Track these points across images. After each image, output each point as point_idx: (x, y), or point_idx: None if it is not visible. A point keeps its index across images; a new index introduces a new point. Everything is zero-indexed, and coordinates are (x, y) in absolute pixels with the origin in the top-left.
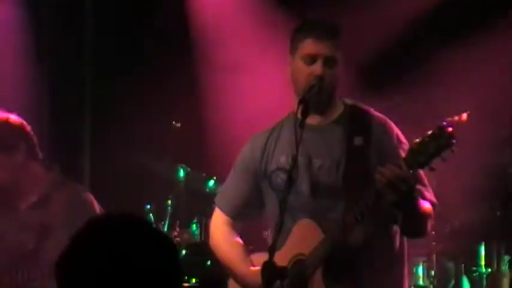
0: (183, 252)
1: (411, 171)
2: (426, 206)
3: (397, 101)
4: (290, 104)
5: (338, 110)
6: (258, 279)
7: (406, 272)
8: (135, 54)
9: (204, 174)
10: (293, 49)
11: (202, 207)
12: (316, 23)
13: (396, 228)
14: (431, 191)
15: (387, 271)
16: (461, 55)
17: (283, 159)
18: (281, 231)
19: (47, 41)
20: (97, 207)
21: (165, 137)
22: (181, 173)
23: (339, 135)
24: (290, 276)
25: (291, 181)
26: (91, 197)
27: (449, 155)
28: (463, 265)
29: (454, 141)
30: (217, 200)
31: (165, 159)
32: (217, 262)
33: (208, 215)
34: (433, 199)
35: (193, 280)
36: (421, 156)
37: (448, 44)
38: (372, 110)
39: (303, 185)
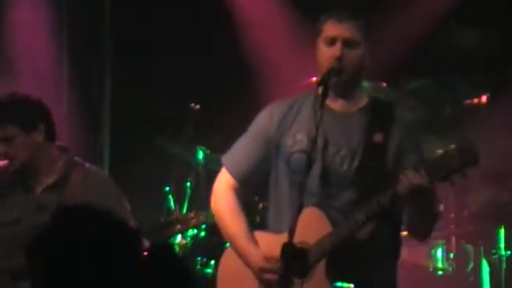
0: (202, 234)
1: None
2: (434, 212)
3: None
4: None
5: (362, 101)
6: (256, 260)
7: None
8: (156, 35)
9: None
10: (317, 32)
11: None
12: (338, 4)
13: (398, 224)
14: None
15: (387, 265)
16: None
17: (300, 136)
18: (282, 210)
19: (66, 16)
20: (113, 187)
21: (184, 118)
22: (200, 155)
23: (360, 127)
24: (292, 261)
25: (310, 164)
26: (107, 177)
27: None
28: (482, 248)
29: (479, 159)
30: (225, 160)
31: (184, 140)
32: None
33: None
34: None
35: (213, 262)
36: (443, 170)
37: None
38: (396, 108)
39: (315, 167)
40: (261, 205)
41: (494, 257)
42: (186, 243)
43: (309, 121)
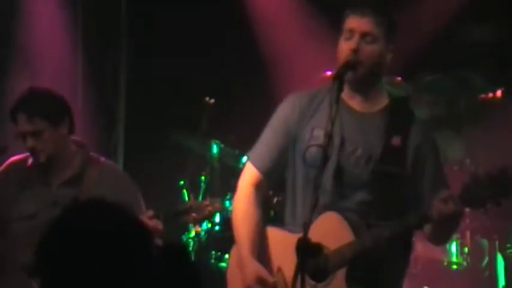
0: (216, 228)
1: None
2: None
3: None
4: None
5: (383, 101)
6: (249, 274)
7: None
8: (171, 31)
9: (237, 151)
10: (341, 28)
11: (236, 184)
12: (364, 1)
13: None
14: None
15: (402, 273)
16: None
17: (317, 132)
18: (297, 206)
19: (81, 11)
20: (129, 182)
21: (199, 113)
22: (215, 149)
23: (379, 129)
24: (311, 265)
25: (325, 159)
26: (122, 172)
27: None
28: (497, 242)
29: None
30: (251, 154)
31: (199, 135)
32: None
33: None
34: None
35: (227, 256)
36: (475, 197)
37: None
38: (416, 111)
39: (330, 164)
40: (275, 199)
41: (509, 251)
42: (201, 231)
43: (327, 116)
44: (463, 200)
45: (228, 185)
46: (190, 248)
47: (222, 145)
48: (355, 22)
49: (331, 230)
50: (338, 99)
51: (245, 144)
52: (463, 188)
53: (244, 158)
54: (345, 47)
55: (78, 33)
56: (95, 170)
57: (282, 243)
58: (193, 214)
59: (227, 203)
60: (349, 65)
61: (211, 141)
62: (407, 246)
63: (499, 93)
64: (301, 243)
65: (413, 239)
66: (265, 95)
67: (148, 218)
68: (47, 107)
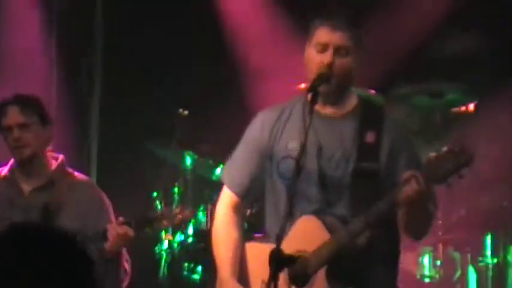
0: (189, 239)
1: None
2: (431, 210)
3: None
4: None
5: (352, 103)
6: None
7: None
8: (145, 39)
9: (211, 161)
10: (309, 36)
11: (209, 195)
12: (333, 11)
13: (396, 228)
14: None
15: (387, 269)
16: None
17: (291, 145)
18: (280, 218)
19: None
20: (100, 200)
21: (172, 124)
22: (188, 160)
23: (351, 129)
24: (291, 272)
25: (298, 169)
26: (95, 188)
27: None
28: (469, 255)
29: (472, 158)
30: (224, 178)
31: (172, 145)
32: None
33: (215, 202)
34: (435, 204)
35: (199, 268)
36: (439, 172)
37: None
38: (386, 107)
39: (312, 174)
40: (248, 211)
41: (480, 264)
42: (174, 242)
43: (299, 128)
44: (426, 176)
45: (202, 196)
46: (163, 260)
47: (196, 156)
48: (328, 36)
49: (307, 233)
50: (312, 111)
51: (219, 154)
52: (425, 165)
53: (218, 170)
54: (317, 60)
55: (53, 38)
56: (67, 181)
57: (264, 256)
58: (164, 221)
59: (200, 214)
60: (323, 78)
61: (185, 152)
62: (392, 239)
63: (471, 106)
64: (274, 254)
65: (399, 236)
66: (239, 104)
67: (119, 225)
68: (39, 104)
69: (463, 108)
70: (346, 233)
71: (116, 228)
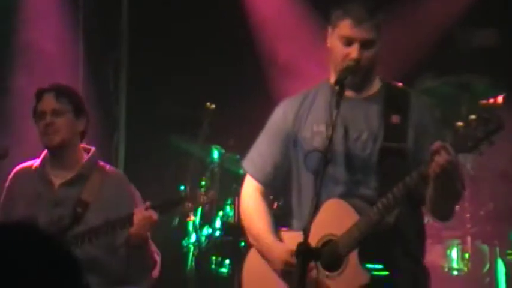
0: (217, 233)
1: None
2: (459, 189)
3: None
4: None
5: (375, 86)
6: (281, 254)
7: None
8: (172, 34)
9: (237, 156)
10: (332, 24)
11: (236, 188)
12: (357, 2)
13: (422, 206)
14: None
15: (415, 247)
16: None
17: (317, 127)
18: (306, 204)
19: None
20: (129, 192)
21: (199, 117)
22: (215, 154)
23: (377, 110)
24: (322, 256)
25: (326, 163)
26: (125, 182)
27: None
28: (497, 248)
29: (502, 123)
30: (247, 166)
31: (200, 140)
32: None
33: None
34: (463, 184)
35: (227, 261)
36: (469, 140)
37: None
38: (411, 91)
39: (338, 156)
40: (275, 204)
41: (510, 257)
42: (201, 236)
43: (325, 111)
44: (456, 145)
45: (229, 190)
46: (191, 253)
47: (223, 150)
48: (353, 30)
49: (335, 216)
50: (339, 104)
51: (245, 148)
52: (453, 134)
53: None
54: (343, 52)
55: (79, 33)
56: (99, 176)
57: (295, 242)
58: (189, 203)
59: (227, 207)
60: (350, 71)
61: (212, 146)
62: (418, 220)
63: (500, 98)
64: (301, 248)
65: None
66: (266, 98)
67: (145, 209)
68: (75, 94)
69: (492, 100)
70: (376, 211)
71: (141, 212)
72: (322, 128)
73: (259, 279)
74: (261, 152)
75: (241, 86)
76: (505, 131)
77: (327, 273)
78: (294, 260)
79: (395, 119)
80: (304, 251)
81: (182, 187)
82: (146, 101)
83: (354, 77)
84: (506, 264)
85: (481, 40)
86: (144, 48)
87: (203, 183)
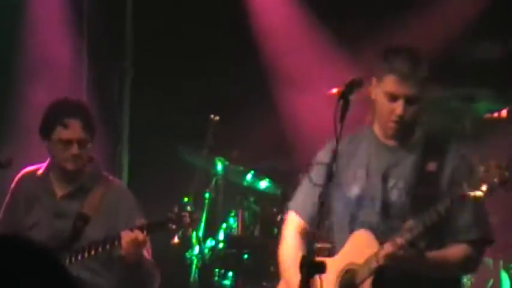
0: (220, 245)
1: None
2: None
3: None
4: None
5: (417, 135)
6: None
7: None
8: (176, 45)
9: (241, 168)
10: (377, 77)
11: (240, 201)
12: (401, 56)
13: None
14: None
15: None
16: None
17: (360, 173)
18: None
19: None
20: (134, 203)
21: (204, 129)
22: (219, 166)
23: (414, 158)
24: (341, 284)
25: (330, 177)
26: (128, 194)
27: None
28: (501, 261)
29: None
30: (293, 205)
31: (204, 152)
32: (254, 255)
33: (245, 208)
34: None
35: (230, 273)
36: (485, 184)
37: None
38: (452, 139)
39: (375, 202)
40: (279, 217)
41: None
42: (204, 245)
43: (366, 157)
44: (473, 186)
45: (233, 202)
46: (194, 265)
47: (227, 162)
48: (398, 87)
49: (359, 245)
50: (343, 118)
51: (249, 160)
52: (472, 176)
53: (248, 176)
54: (388, 108)
55: (84, 42)
56: (101, 188)
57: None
58: (172, 225)
59: (231, 220)
60: (354, 84)
61: (216, 158)
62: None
63: (504, 112)
64: (305, 260)
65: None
66: (270, 111)
67: (131, 230)
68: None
69: (496, 114)
70: (393, 243)
71: (128, 234)
72: (363, 173)
73: None
74: (305, 193)
75: (246, 98)
76: (508, 144)
77: None
78: None
79: (430, 167)
80: (307, 264)
81: (186, 199)
82: (150, 112)
83: (397, 130)
84: (510, 278)
85: (485, 52)
86: (149, 58)
87: (207, 195)
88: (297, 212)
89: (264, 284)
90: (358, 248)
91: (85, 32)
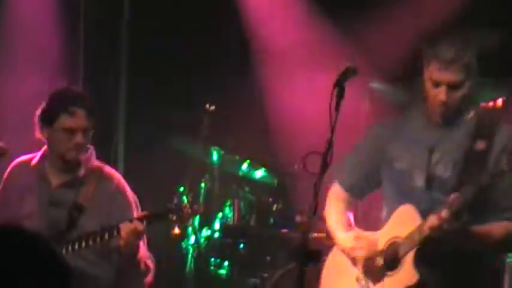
0: (216, 235)
1: None
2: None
3: None
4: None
5: (466, 114)
6: (348, 240)
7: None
8: (171, 36)
9: (237, 157)
10: (424, 63)
11: (236, 190)
12: (445, 42)
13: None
14: None
15: (477, 260)
16: None
17: (406, 147)
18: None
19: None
20: (128, 193)
21: (199, 119)
22: (215, 156)
23: (463, 136)
24: (384, 256)
25: (325, 166)
26: (122, 184)
27: None
28: None
29: None
30: (337, 173)
31: (199, 141)
32: (249, 244)
33: (241, 197)
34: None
35: (226, 262)
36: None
37: None
38: (501, 120)
39: (419, 178)
40: (275, 206)
41: (510, 260)
42: (200, 234)
43: (414, 132)
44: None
45: (228, 191)
46: (190, 255)
47: (222, 151)
48: (440, 74)
49: (402, 220)
50: (338, 107)
51: (244, 150)
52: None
53: (244, 165)
54: (433, 94)
55: (79, 35)
56: (96, 178)
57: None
58: (173, 216)
59: (227, 209)
60: (350, 72)
61: (211, 148)
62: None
63: (499, 101)
64: (300, 249)
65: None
66: (264, 100)
67: (130, 221)
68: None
69: (491, 103)
70: (438, 217)
71: (127, 225)
72: (410, 147)
73: (337, 272)
74: (352, 163)
75: (241, 88)
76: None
77: (386, 272)
78: (357, 243)
79: (480, 145)
80: (302, 252)
81: (181, 189)
82: (146, 103)
83: (443, 115)
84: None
85: (480, 41)
86: (143, 51)
87: (202, 184)
88: (340, 184)
89: (260, 273)
90: (402, 222)
91: (81, 30)
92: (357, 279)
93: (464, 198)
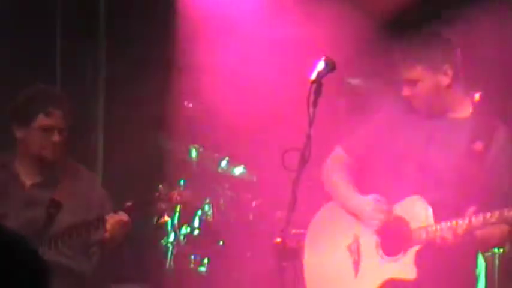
0: (195, 232)
1: None
2: None
3: None
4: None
5: (466, 110)
6: (368, 203)
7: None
8: (147, 36)
9: (216, 155)
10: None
11: (215, 188)
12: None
13: None
14: None
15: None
16: None
17: (404, 136)
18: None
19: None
20: (103, 190)
21: (177, 117)
22: (194, 153)
23: (461, 134)
24: (391, 236)
25: (303, 160)
26: (98, 181)
27: None
28: None
29: None
30: (344, 143)
31: (177, 139)
32: (229, 241)
33: (220, 194)
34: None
35: (206, 260)
36: None
37: None
38: (498, 119)
39: (416, 166)
40: (254, 203)
41: (487, 254)
42: (179, 232)
43: (412, 121)
44: None
45: (207, 189)
46: (170, 252)
47: (201, 149)
48: (402, 71)
49: (413, 210)
50: (316, 103)
51: (224, 147)
52: None
53: (223, 162)
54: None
55: (57, 31)
56: (71, 176)
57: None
58: (162, 204)
59: (206, 206)
60: (327, 69)
61: (190, 145)
62: None
63: (477, 96)
64: (279, 247)
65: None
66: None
67: (115, 212)
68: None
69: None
70: (447, 226)
71: (112, 217)
72: (407, 136)
73: (327, 228)
74: (361, 133)
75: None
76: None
77: (382, 253)
78: (379, 206)
79: (477, 146)
80: (281, 250)
81: (160, 186)
82: (124, 99)
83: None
84: (486, 260)
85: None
86: (121, 47)
87: (181, 181)
88: (347, 150)
89: (238, 270)
90: (414, 213)
91: (58, 22)
92: (349, 249)
93: (482, 218)
